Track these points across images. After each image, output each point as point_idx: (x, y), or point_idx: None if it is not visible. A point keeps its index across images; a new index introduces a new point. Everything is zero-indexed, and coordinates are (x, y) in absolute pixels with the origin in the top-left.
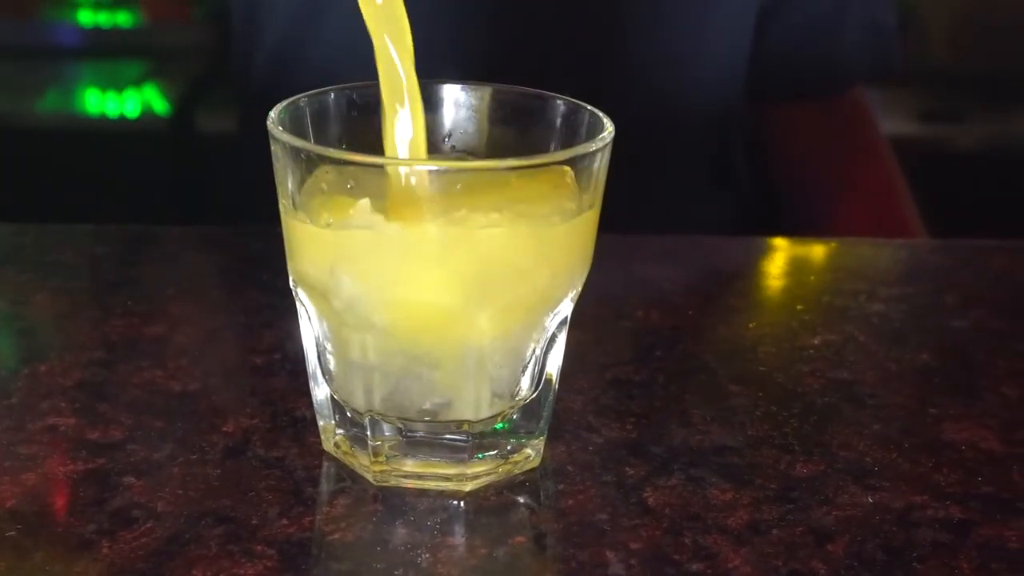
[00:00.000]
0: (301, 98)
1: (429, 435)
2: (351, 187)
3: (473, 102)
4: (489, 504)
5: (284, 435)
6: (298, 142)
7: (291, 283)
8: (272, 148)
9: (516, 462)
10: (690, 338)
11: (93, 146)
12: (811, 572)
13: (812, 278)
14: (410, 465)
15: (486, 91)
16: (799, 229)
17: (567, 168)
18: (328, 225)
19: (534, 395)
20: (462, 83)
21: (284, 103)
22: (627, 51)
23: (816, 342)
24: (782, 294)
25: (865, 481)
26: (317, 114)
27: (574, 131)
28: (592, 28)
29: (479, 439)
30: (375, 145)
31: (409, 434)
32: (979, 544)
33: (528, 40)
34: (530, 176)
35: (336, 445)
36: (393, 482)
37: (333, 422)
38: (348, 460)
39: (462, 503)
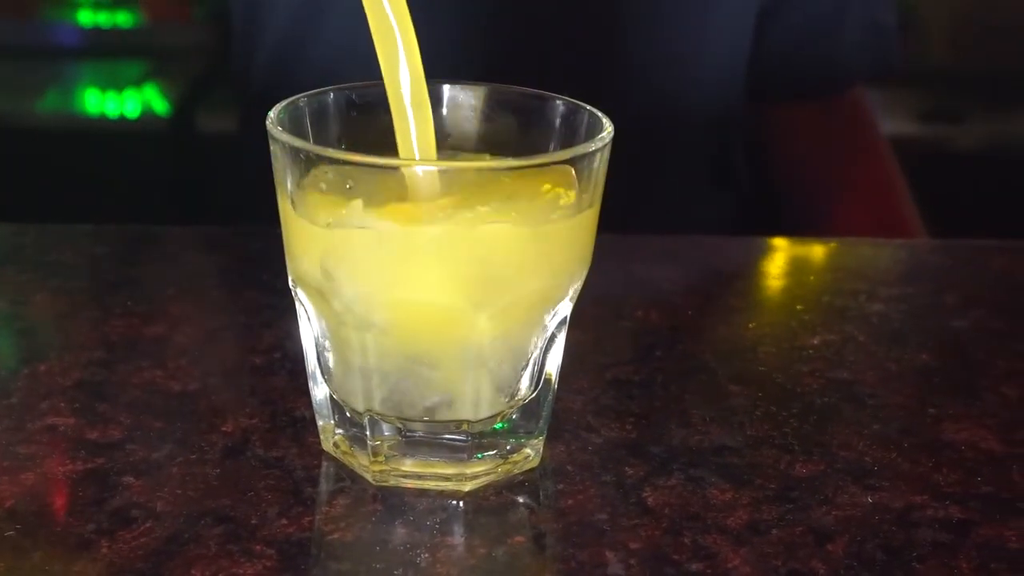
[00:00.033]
0: (300, 98)
1: (428, 435)
2: (350, 187)
3: (473, 102)
4: (488, 504)
5: (283, 435)
6: (297, 142)
7: (290, 283)
8: (271, 148)
9: (515, 462)
10: (690, 338)
11: (93, 146)
12: (811, 572)
13: (812, 278)
14: (409, 465)
15: (486, 91)
16: (799, 229)
17: (568, 167)
18: (327, 225)
19: (533, 395)
20: (462, 83)
21: (283, 103)
22: (627, 51)
23: (816, 342)
24: (782, 294)
25: (865, 481)
26: (316, 114)
27: (573, 131)
28: (592, 28)
29: (478, 439)
30: (375, 145)
31: (408, 434)
32: (979, 544)
33: (528, 40)
34: (530, 176)
35: (335, 445)
36: (392, 482)
37: (332, 422)
38: (347, 460)
39: (461, 503)
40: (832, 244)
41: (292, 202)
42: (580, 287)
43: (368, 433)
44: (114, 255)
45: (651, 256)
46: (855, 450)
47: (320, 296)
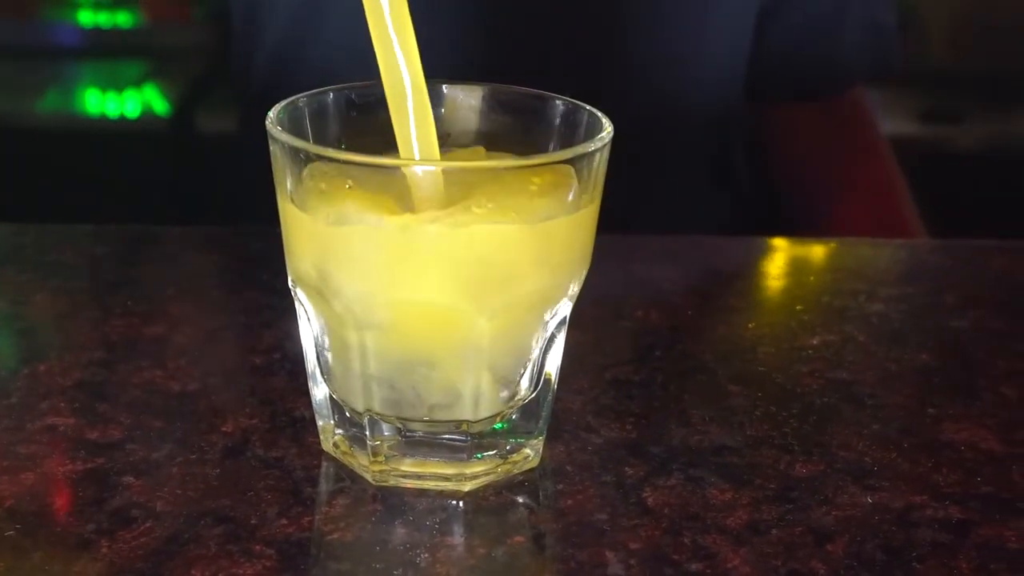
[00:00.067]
0: (300, 98)
1: (428, 435)
2: (350, 187)
3: (472, 102)
4: (488, 504)
5: (283, 435)
6: (297, 142)
7: (290, 283)
8: (271, 148)
9: (515, 462)
10: (689, 338)
11: (93, 146)
12: (811, 572)
13: (812, 278)
14: (409, 465)
15: (485, 91)
16: (799, 229)
17: (568, 167)
18: (327, 225)
19: (533, 395)
20: (462, 83)
21: (283, 103)
22: (627, 51)
23: (815, 342)
24: (782, 294)
25: (865, 481)
26: (316, 114)
27: (573, 131)
28: (592, 28)
29: (478, 439)
30: (374, 145)
31: (408, 434)
32: (979, 544)
33: (528, 40)
34: (530, 175)
35: (335, 445)
36: (392, 482)
37: (332, 422)
38: (347, 460)
39: (461, 503)
40: (832, 244)
41: (292, 202)
42: (580, 287)
43: (368, 433)
44: (114, 255)
45: (651, 256)
46: (855, 450)
47: (320, 296)
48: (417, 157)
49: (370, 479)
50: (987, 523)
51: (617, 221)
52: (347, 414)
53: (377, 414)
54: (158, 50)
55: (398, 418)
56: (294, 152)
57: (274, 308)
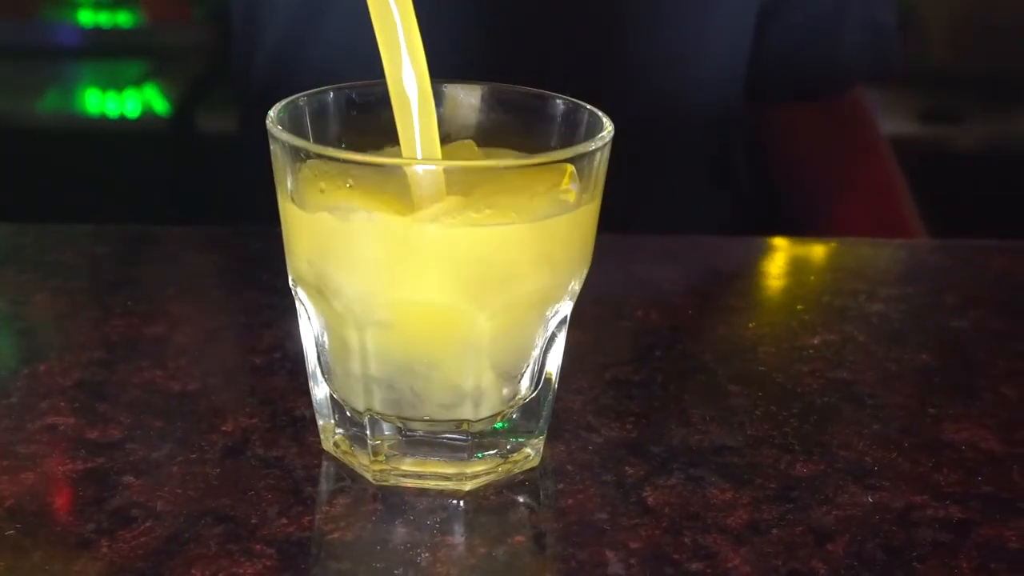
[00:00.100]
0: (300, 97)
1: (428, 434)
2: (350, 186)
3: (473, 101)
4: (489, 503)
5: (283, 435)
6: (297, 141)
7: (290, 282)
8: (271, 147)
9: (516, 461)
10: (689, 338)
11: (93, 146)
12: (811, 572)
13: (812, 278)
14: (409, 464)
15: (486, 90)
16: (799, 229)
17: (568, 166)
18: (327, 224)
19: (534, 394)
20: (462, 82)
21: (283, 102)
22: (627, 51)
23: (816, 342)
24: (782, 294)
25: (865, 481)
26: (316, 113)
27: (573, 130)
28: (592, 28)
29: (478, 438)
30: (375, 144)
31: (408, 433)
32: (979, 544)
33: (528, 40)
34: (530, 174)
35: (335, 444)
36: (392, 481)
37: (332, 421)
38: (347, 459)
39: (462, 502)
40: (832, 244)
41: (292, 201)
42: (580, 286)
43: (368, 432)
44: (114, 255)
45: (651, 256)
46: (855, 450)
47: (320, 295)
48: (420, 155)
49: (370, 478)
50: (987, 523)
51: (617, 221)
52: (347, 413)
53: (377, 413)
54: (158, 50)
55: (398, 417)
56: (294, 151)
57: (274, 308)
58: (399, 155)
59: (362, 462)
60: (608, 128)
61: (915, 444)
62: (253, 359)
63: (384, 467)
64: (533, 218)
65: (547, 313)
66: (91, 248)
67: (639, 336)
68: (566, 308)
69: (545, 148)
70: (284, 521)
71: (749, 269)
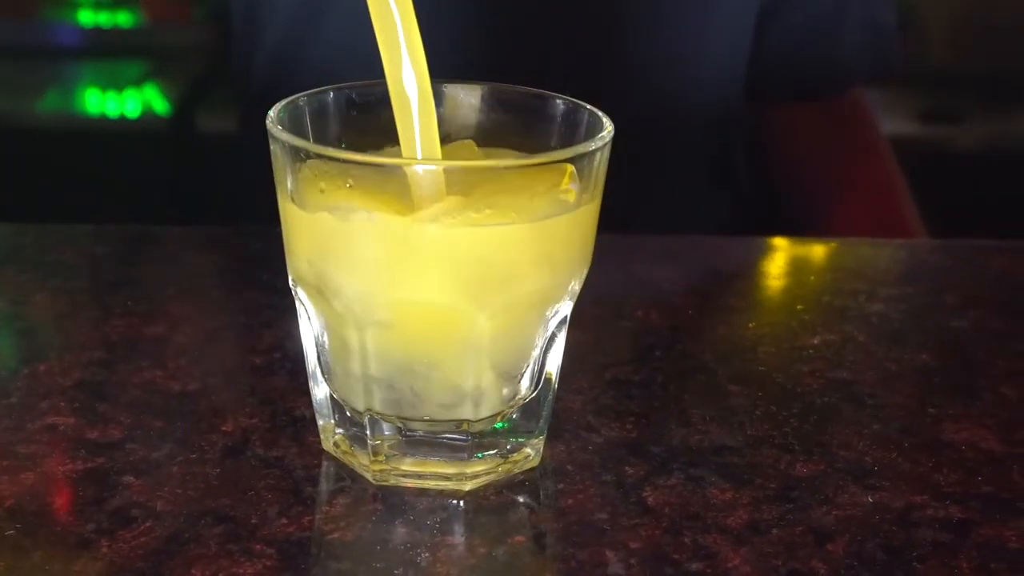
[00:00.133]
0: (300, 97)
1: (428, 434)
2: (350, 186)
3: (473, 101)
4: (489, 503)
5: (283, 435)
6: (297, 141)
7: (290, 282)
8: (271, 147)
9: (516, 461)
10: (689, 338)
11: (93, 146)
12: (811, 572)
13: (812, 278)
14: (409, 464)
15: (486, 90)
16: (799, 229)
17: (568, 166)
18: (327, 224)
19: (534, 395)
20: (462, 82)
21: (283, 102)
22: (627, 51)
23: (816, 342)
24: (782, 294)
25: (865, 481)
26: (316, 113)
27: (573, 130)
28: (592, 28)
29: (479, 438)
30: (375, 144)
31: (408, 433)
32: (979, 544)
33: (528, 40)
34: (530, 174)
35: (335, 444)
36: (392, 481)
37: (332, 421)
38: (347, 459)
39: (462, 502)
40: (832, 244)
41: (292, 201)
42: (580, 286)
43: (368, 432)
44: (114, 255)
45: (651, 256)
46: (855, 450)
47: (320, 295)
48: (420, 154)
49: (370, 478)
50: (987, 523)
51: (617, 221)
52: (347, 413)
53: (378, 413)
54: (158, 50)
55: (398, 417)
56: (294, 151)
57: (274, 308)
58: (399, 155)
59: (362, 462)
60: (608, 128)
61: (915, 444)
62: (253, 359)
63: (384, 467)
64: (533, 218)
65: (547, 313)
66: (91, 248)
67: (639, 336)
68: (566, 308)
69: (545, 148)
70: (284, 521)
71: (749, 269)
